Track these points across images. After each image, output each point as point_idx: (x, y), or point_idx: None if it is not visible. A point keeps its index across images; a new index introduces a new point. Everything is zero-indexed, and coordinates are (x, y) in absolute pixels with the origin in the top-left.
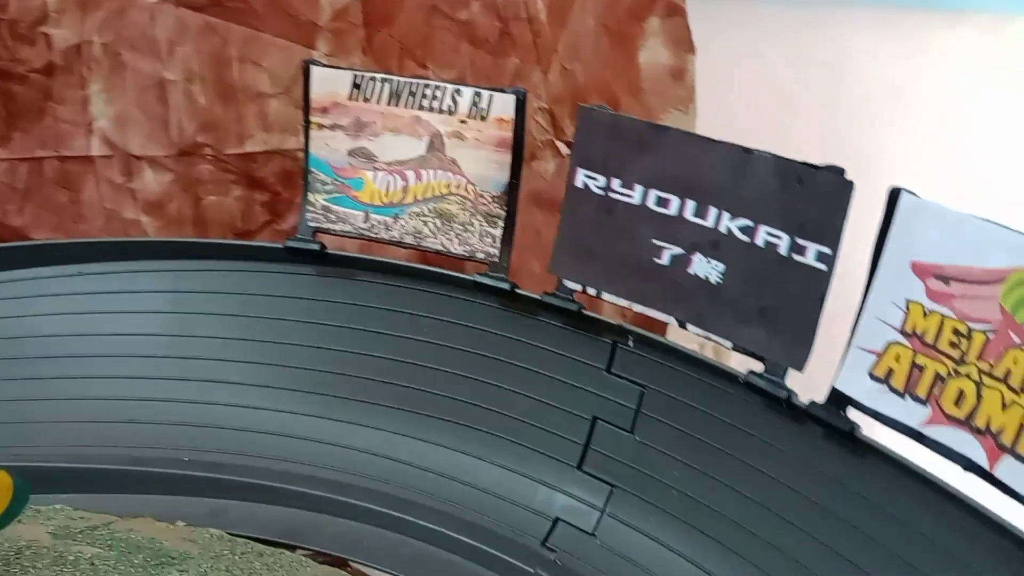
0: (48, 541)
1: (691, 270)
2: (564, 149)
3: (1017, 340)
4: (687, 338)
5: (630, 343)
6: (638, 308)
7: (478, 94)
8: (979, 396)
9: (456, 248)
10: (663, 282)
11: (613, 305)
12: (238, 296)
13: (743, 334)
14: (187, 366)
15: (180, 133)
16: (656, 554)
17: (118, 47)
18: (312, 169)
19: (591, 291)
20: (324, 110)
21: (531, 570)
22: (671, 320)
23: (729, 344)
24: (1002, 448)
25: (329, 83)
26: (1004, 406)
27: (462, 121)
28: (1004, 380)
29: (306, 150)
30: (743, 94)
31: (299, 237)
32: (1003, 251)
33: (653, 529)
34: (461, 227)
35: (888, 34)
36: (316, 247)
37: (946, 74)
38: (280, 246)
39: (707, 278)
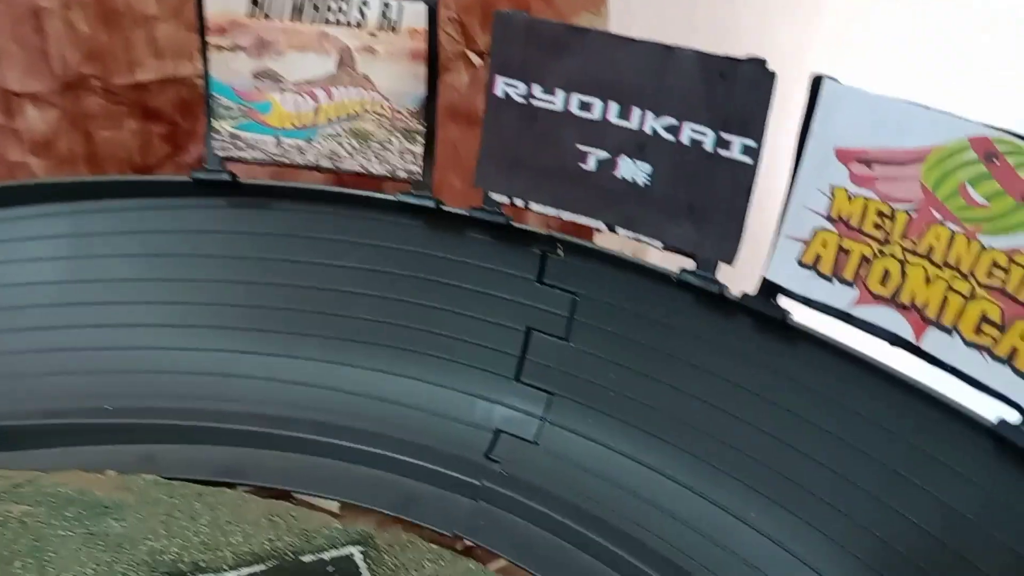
0: None
1: (618, 173)
2: (477, 60)
3: (938, 216)
4: (619, 243)
5: (560, 252)
6: (567, 216)
7: (387, 5)
8: (903, 274)
9: (376, 168)
10: (590, 188)
11: (541, 215)
12: (146, 235)
13: (673, 233)
14: (98, 312)
15: (63, 65)
16: (599, 455)
17: None
18: (214, 94)
19: (518, 202)
20: (222, 30)
21: (477, 482)
22: (600, 225)
23: (660, 244)
24: (927, 321)
25: (224, 0)
26: (928, 281)
27: (372, 34)
28: (927, 256)
29: (206, 75)
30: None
31: (207, 168)
32: (923, 130)
33: (594, 431)
34: (379, 146)
35: None
36: (227, 177)
37: None
38: (187, 179)
39: (634, 180)
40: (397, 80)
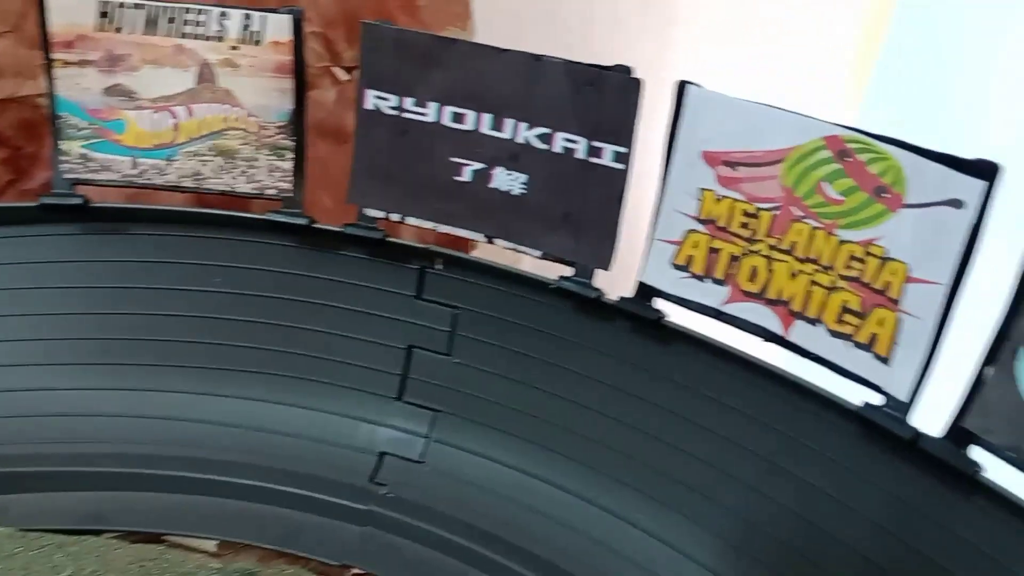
0: None
1: (493, 184)
2: (343, 75)
3: (799, 213)
4: (497, 253)
5: (438, 266)
6: (444, 229)
7: (248, 16)
8: (770, 270)
9: (243, 187)
10: (467, 199)
11: (418, 229)
12: None
13: (550, 241)
14: None
15: None
16: (487, 469)
17: None
18: (61, 113)
19: (394, 217)
20: (68, 44)
21: (363, 507)
22: (478, 237)
23: (538, 253)
24: (793, 314)
25: (70, 13)
26: (792, 276)
27: (233, 47)
28: (790, 252)
29: (51, 92)
30: (518, 12)
31: (56, 192)
32: (781, 132)
33: (480, 446)
34: (246, 163)
35: None
36: (77, 201)
37: None
38: (33, 205)
39: (510, 190)
40: (262, 95)
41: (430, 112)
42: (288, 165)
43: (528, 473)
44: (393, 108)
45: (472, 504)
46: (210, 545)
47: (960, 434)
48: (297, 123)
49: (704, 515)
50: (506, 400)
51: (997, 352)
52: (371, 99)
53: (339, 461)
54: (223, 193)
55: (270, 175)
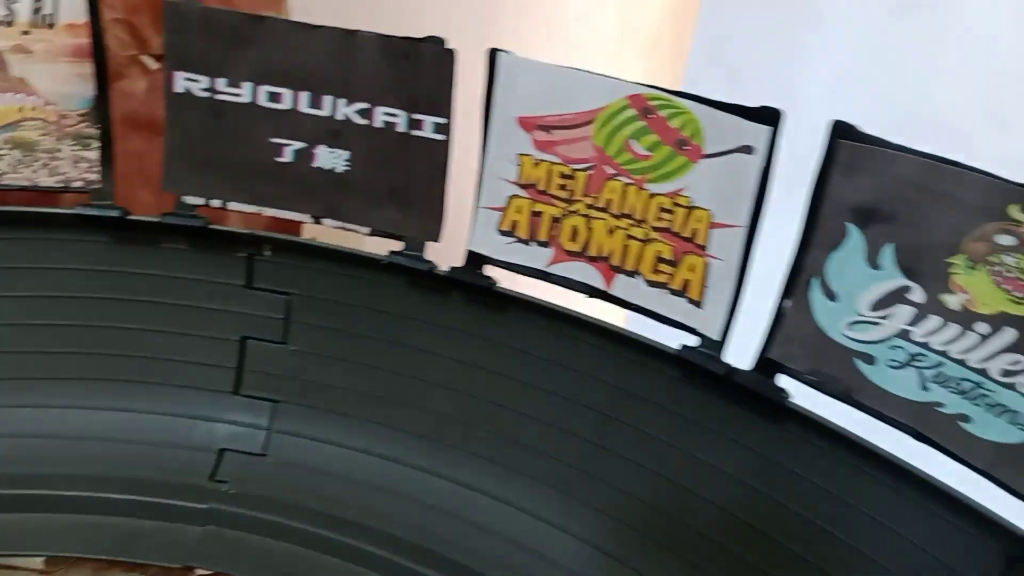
0: None
1: (316, 163)
2: (153, 64)
3: (611, 171)
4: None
5: (266, 252)
6: (269, 212)
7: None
8: (589, 228)
9: (46, 180)
10: (290, 180)
11: (245, 215)
12: None
13: (378, 217)
14: None
15: None
16: (332, 454)
17: None
18: None
19: (215, 203)
20: None
21: (204, 506)
22: (305, 218)
23: (367, 230)
24: (614, 269)
25: None
26: (610, 232)
27: (25, 32)
28: (606, 210)
29: None
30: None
31: None
32: (589, 94)
33: (324, 432)
34: (47, 155)
35: None
36: None
37: None
38: None
39: (333, 168)
40: (60, 81)
41: (245, 93)
42: (94, 155)
43: (374, 454)
44: (205, 90)
45: (319, 491)
46: (37, 562)
47: (767, 365)
48: (101, 110)
49: (549, 474)
50: (347, 383)
51: (793, 285)
52: (180, 82)
53: (176, 463)
54: (24, 189)
55: (75, 167)
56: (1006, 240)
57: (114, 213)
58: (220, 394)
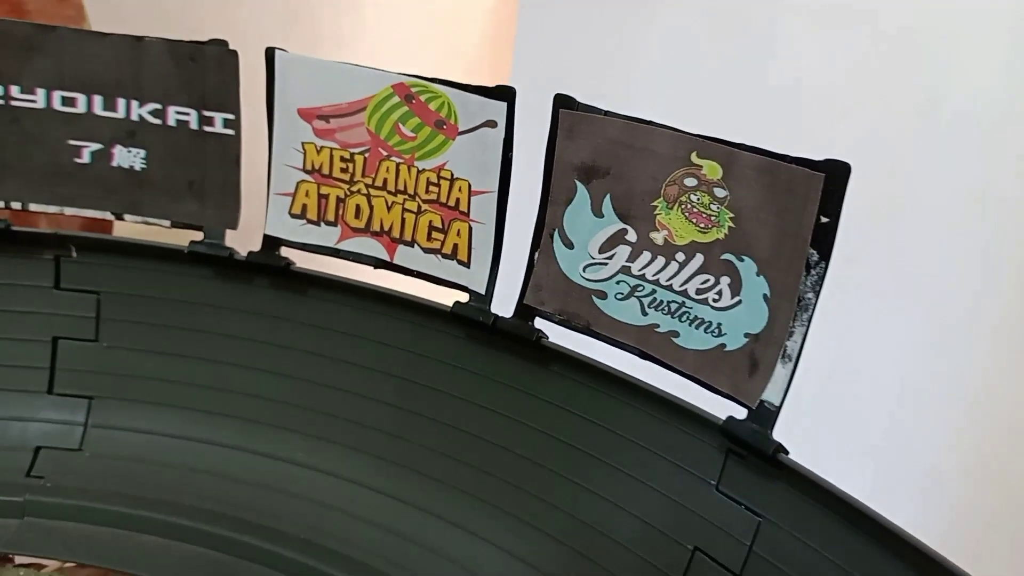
0: None
1: (114, 163)
2: None
3: (385, 153)
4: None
5: (72, 252)
6: (70, 211)
7: None
8: (371, 206)
9: None
10: (89, 180)
11: (54, 218)
12: None
13: (177, 210)
14: None
15: None
16: (149, 443)
17: None
18: None
19: (15, 205)
20: None
21: (19, 499)
22: (107, 215)
23: (167, 223)
24: (395, 241)
25: None
26: (388, 208)
27: None
28: (384, 188)
29: None
30: (136, 9)
31: None
32: (359, 85)
33: (140, 423)
34: None
35: None
36: None
37: None
38: None
39: (132, 167)
40: None
41: (39, 98)
42: None
43: (188, 438)
44: None
45: (136, 477)
46: None
47: (524, 310)
48: None
49: (356, 439)
50: (160, 374)
51: (538, 238)
52: None
53: None
54: None
55: None
56: (691, 182)
57: None
58: (34, 394)
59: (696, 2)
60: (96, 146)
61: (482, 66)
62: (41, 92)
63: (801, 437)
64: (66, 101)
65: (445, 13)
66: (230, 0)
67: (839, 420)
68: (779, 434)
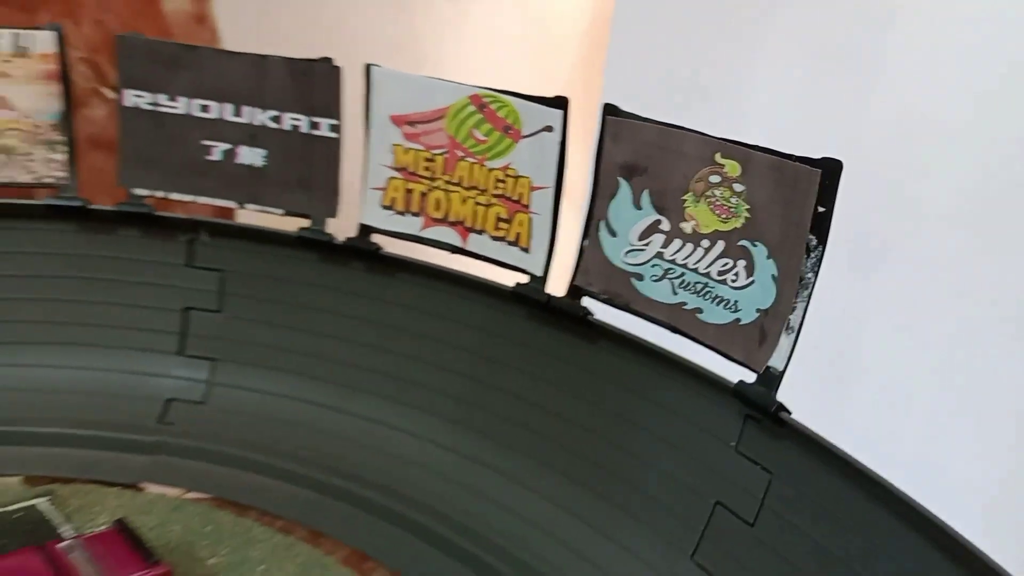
0: None
1: (239, 160)
2: (110, 94)
3: (461, 154)
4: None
5: (203, 237)
6: (202, 200)
7: (16, 34)
8: (448, 200)
9: (23, 178)
10: (219, 174)
11: (186, 206)
12: None
13: (288, 200)
14: None
15: None
16: (260, 400)
17: None
18: None
19: (159, 194)
20: None
21: (152, 439)
22: (232, 204)
23: (281, 211)
24: (468, 230)
25: None
26: (463, 201)
27: (6, 61)
28: (460, 184)
29: None
30: (261, 31)
31: None
32: (440, 95)
33: (253, 383)
34: (24, 158)
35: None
36: None
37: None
38: None
39: (253, 164)
40: (35, 99)
41: (181, 105)
42: (62, 157)
43: (292, 397)
44: (149, 104)
45: (248, 428)
46: (14, 481)
47: (574, 290)
48: (66, 121)
49: (430, 402)
50: (270, 341)
51: (588, 228)
52: (129, 97)
53: (131, 410)
54: (6, 185)
55: (47, 166)
56: (715, 178)
57: (77, 203)
58: (167, 355)
59: (794, 33)
60: (225, 146)
61: (575, 88)
62: (183, 100)
63: None
64: (203, 108)
65: (539, 37)
66: (346, 28)
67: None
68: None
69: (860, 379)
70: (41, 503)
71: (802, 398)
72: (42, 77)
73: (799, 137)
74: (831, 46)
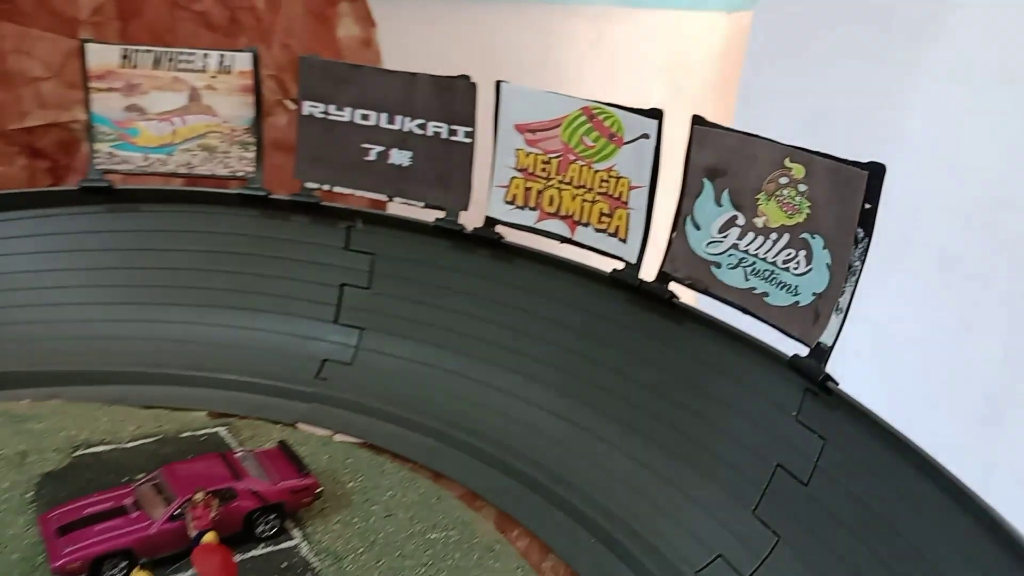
0: None
1: (391, 160)
2: (292, 105)
3: (572, 158)
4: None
5: (359, 225)
6: (360, 193)
7: (222, 55)
8: (560, 197)
9: (221, 171)
10: (374, 172)
11: (344, 197)
12: (43, 237)
13: (429, 195)
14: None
15: None
16: (398, 365)
17: None
18: (95, 124)
19: (326, 187)
20: (100, 77)
21: (309, 390)
22: (384, 197)
23: (422, 204)
24: (576, 223)
25: (102, 56)
26: (573, 198)
27: (212, 76)
28: (570, 183)
29: (89, 110)
30: (417, 53)
31: (91, 178)
32: (557, 107)
33: (393, 349)
34: (222, 155)
35: (520, 20)
36: (106, 184)
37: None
38: (75, 188)
39: (401, 163)
40: (233, 107)
41: (346, 114)
42: (252, 154)
43: (424, 363)
44: (322, 112)
45: (387, 386)
46: (202, 414)
47: (662, 276)
48: (257, 126)
49: (539, 373)
50: (408, 315)
51: (677, 222)
52: (307, 107)
53: (294, 366)
54: (208, 176)
55: (239, 162)
56: (783, 180)
57: (262, 193)
58: (325, 322)
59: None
60: (380, 148)
61: (706, 106)
62: (348, 110)
63: None
64: (363, 116)
65: (674, 58)
66: (491, 50)
67: None
68: None
69: None
70: (221, 431)
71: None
72: (239, 90)
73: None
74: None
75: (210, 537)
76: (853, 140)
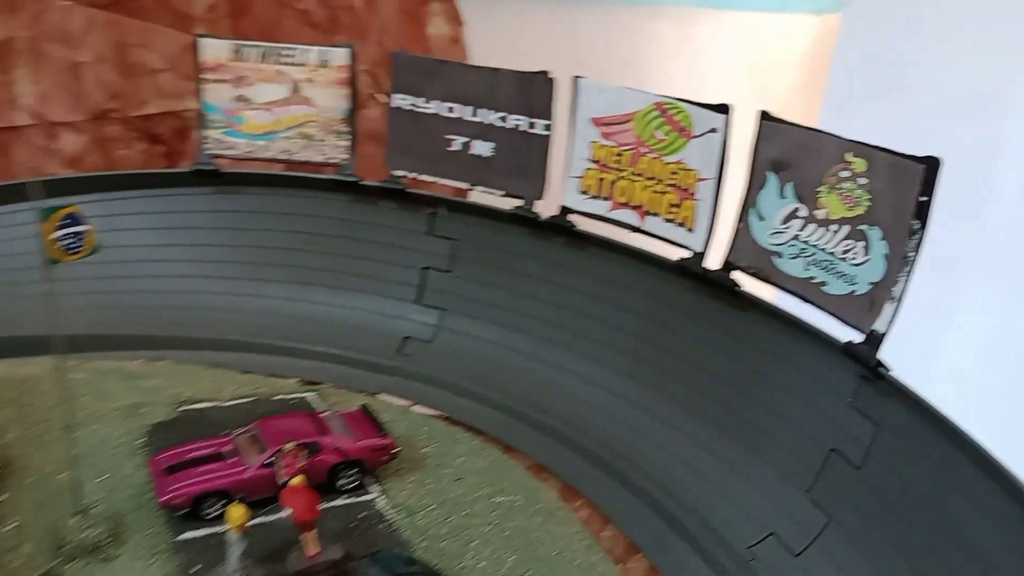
0: None
1: (473, 151)
2: (384, 98)
3: (644, 150)
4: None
5: (442, 211)
6: (443, 182)
7: (322, 51)
8: (632, 188)
9: (317, 158)
10: (457, 161)
11: (428, 185)
12: (158, 215)
13: (508, 185)
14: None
15: (93, 102)
16: (474, 344)
17: (39, 40)
18: (207, 113)
19: (411, 176)
20: (212, 69)
21: (392, 364)
22: (465, 186)
23: (502, 193)
24: (645, 213)
25: (215, 51)
26: (643, 189)
27: (312, 70)
28: (641, 175)
29: (201, 99)
30: (504, 51)
31: (201, 162)
32: (631, 102)
33: (471, 330)
34: (319, 143)
35: (607, 21)
36: (214, 167)
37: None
38: (188, 170)
39: (483, 154)
40: (329, 99)
41: (433, 106)
42: (345, 143)
43: (500, 344)
44: (411, 105)
45: (464, 363)
46: (292, 381)
47: (727, 265)
48: (351, 117)
49: (606, 356)
50: (486, 298)
51: (742, 214)
52: (397, 100)
53: (379, 342)
54: (305, 163)
55: (334, 150)
56: (845, 174)
57: (354, 179)
58: (409, 303)
59: None
60: (463, 139)
61: (793, 106)
62: (435, 103)
63: None
64: (448, 109)
65: (760, 59)
66: (581, 52)
67: None
68: None
69: None
70: (309, 396)
71: None
72: (336, 83)
73: None
74: None
75: (298, 480)
76: (954, 146)
